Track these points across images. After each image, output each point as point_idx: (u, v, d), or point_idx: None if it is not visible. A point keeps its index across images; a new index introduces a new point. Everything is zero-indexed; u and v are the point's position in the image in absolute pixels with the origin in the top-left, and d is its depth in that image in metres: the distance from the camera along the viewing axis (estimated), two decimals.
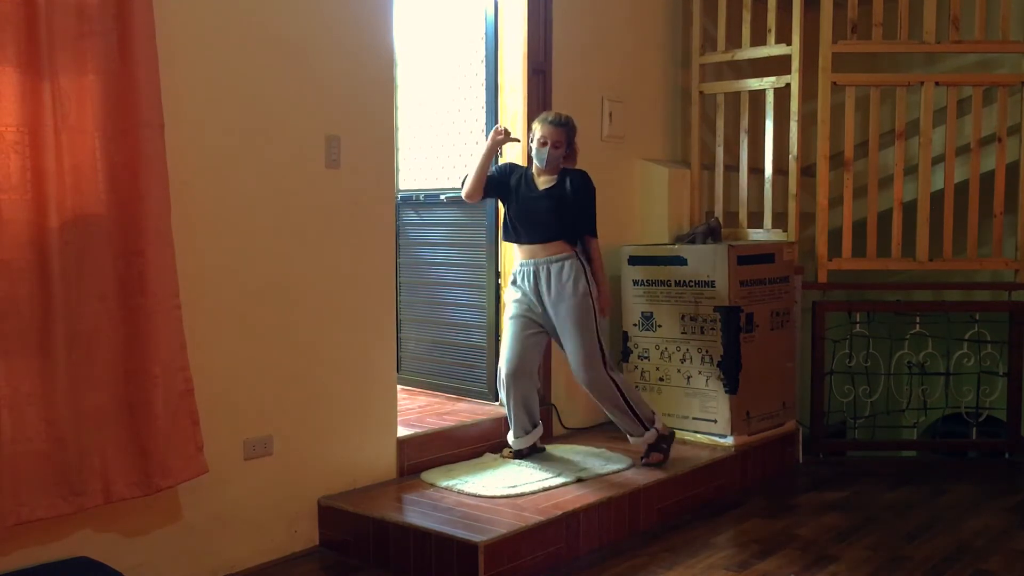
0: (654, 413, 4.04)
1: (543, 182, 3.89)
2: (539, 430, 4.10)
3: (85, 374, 2.75)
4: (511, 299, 3.98)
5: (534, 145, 3.89)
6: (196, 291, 3.07)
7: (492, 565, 3.11)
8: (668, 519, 3.83)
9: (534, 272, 3.86)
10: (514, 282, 3.96)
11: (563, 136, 3.86)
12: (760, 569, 3.32)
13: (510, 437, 4.06)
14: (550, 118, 3.88)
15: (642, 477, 3.84)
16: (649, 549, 3.53)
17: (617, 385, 3.91)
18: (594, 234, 3.91)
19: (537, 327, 3.95)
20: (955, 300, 5.10)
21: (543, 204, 3.84)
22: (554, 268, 3.83)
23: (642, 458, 3.99)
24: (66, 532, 2.84)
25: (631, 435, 4.02)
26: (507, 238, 3.98)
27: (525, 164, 4.14)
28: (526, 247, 3.88)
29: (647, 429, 3.98)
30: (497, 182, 3.97)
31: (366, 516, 3.39)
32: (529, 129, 3.99)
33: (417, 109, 4.78)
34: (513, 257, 4.01)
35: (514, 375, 3.96)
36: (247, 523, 3.30)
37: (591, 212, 3.90)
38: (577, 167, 3.94)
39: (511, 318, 3.97)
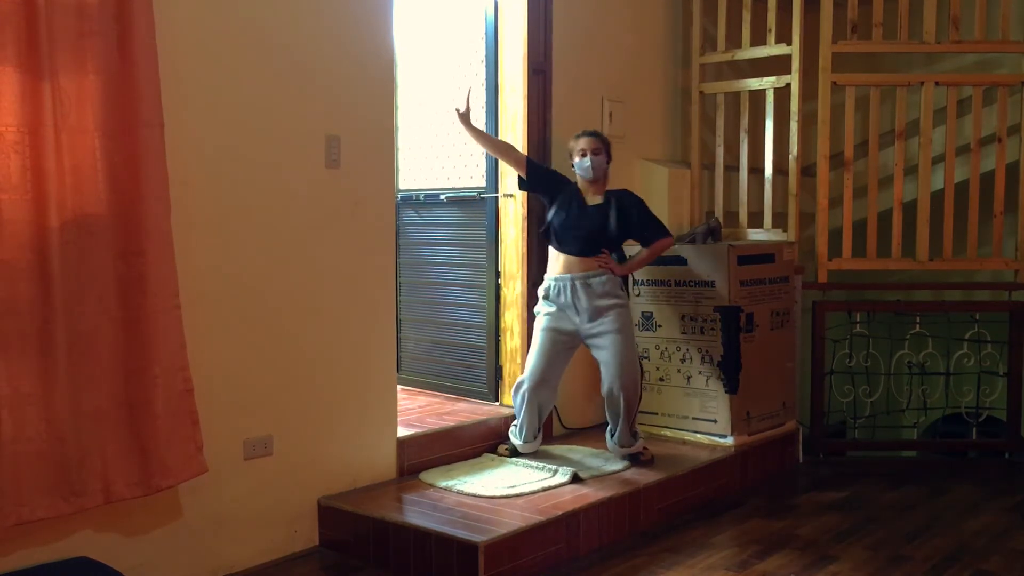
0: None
1: (592, 199, 3.99)
2: (540, 435, 4.16)
3: (85, 374, 2.75)
4: (543, 311, 4.00)
5: (576, 160, 3.98)
6: (196, 291, 3.07)
7: (492, 565, 3.11)
8: (668, 519, 3.83)
9: (571, 287, 3.91)
10: (546, 297, 3.99)
11: (599, 143, 3.99)
12: (760, 569, 3.32)
13: (514, 438, 4.09)
14: (580, 132, 4.05)
15: (642, 477, 3.84)
16: (649, 549, 3.53)
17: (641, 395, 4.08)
18: (668, 234, 4.05)
19: (566, 341, 4.00)
20: (955, 300, 5.09)
21: (591, 220, 3.95)
22: (593, 283, 3.91)
23: (633, 463, 4.01)
24: (66, 532, 2.84)
25: (624, 445, 4.04)
26: (549, 242, 4.03)
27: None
28: (564, 259, 3.95)
29: (636, 440, 4.06)
30: (544, 177, 4.06)
31: (366, 516, 3.39)
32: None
33: (417, 109, 4.78)
34: (549, 267, 4.02)
35: (536, 388, 4.00)
36: (247, 523, 3.30)
37: (654, 218, 4.05)
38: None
39: (542, 330, 3.99)
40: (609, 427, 4.10)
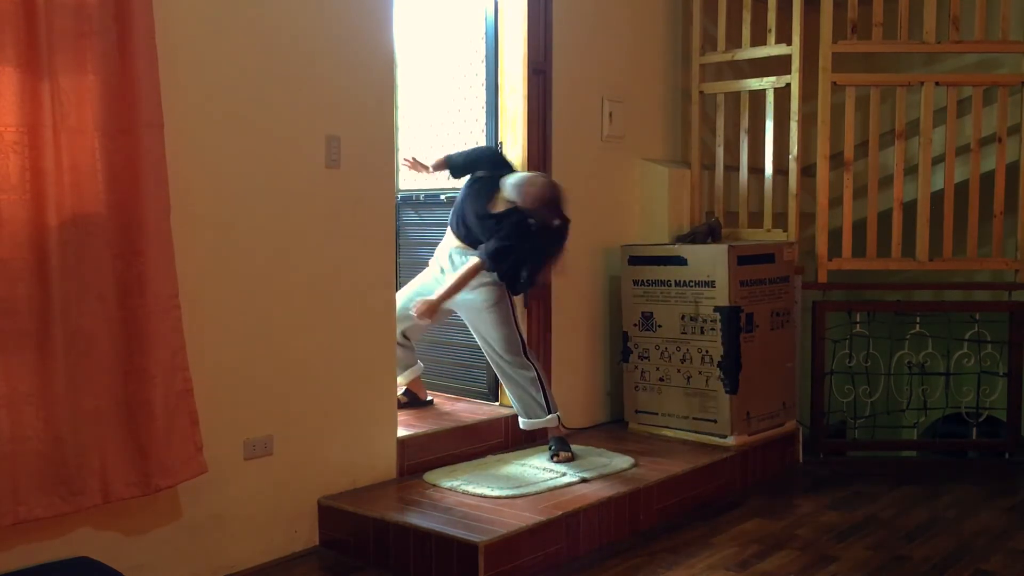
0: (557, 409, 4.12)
1: (499, 204, 3.94)
2: (420, 367, 4.36)
3: (83, 374, 2.75)
4: (431, 269, 4.20)
5: (532, 210, 3.84)
6: (196, 291, 3.07)
7: (492, 565, 3.11)
8: (668, 519, 3.83)
9: (450, 258, 4.07)
10: (437, 257, 4.18)
11: (560, 222, 3.92)
12: (760, 569, 3.32)
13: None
14: (560, 215, 3.89)
15: (643, 477, 3.84)
16: (649, 549, 3.53)
17: (535, 368, 4.03)
18: (484, 259, 3.86)
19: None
20: (955, 300, 5.09)
21: (485, 223, 3.93)
22: (460, 260, 4.02)
23: (551, 457, 4.00)
24: (66, 531, 2.84)
25: (534, 417, 4.04)
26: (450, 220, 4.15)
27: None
28: (454, 236, 4.10)
29: (549, 413, 4.04)
30: (466, 167, 4.13)
31: (366, 516, 3.39)
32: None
33: (417, 109, 4.78)
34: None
35: (399, 317, 4.02)
36: (247, 523, 3.30)
37: (501, 239, 3.83)
38: (564, 214, 3.92)
39: (420, 276, 4.23)
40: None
